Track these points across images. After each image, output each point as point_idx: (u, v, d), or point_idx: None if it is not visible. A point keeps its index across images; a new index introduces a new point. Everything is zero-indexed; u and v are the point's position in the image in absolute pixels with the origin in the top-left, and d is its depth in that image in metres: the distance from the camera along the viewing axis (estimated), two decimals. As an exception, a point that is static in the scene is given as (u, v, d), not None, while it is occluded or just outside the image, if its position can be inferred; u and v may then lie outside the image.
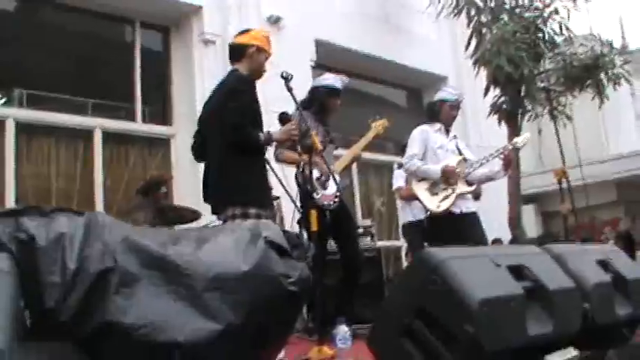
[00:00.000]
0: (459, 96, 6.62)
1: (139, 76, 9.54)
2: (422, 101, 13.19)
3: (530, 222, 15.71)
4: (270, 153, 5.41)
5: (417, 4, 11.87)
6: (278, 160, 5.88)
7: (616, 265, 3.96)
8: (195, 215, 6.66)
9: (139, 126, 9.42)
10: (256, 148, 4.82)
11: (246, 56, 5.00)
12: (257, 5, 10.07)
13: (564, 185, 8.97)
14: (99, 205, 8.63)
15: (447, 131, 6.56)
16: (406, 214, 8.26)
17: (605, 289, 3.70)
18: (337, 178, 5.85)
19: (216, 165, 4.87)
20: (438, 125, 6.51)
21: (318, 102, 6.12)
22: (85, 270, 2.29)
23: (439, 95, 6.66)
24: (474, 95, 11.91)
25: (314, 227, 5.02)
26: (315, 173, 5.69)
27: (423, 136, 6.43)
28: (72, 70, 9.22)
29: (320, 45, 10.81)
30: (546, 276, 3.21)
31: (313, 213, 5.08)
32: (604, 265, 3.89)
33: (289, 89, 5.24)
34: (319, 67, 10.81)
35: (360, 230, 7.55)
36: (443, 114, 6.52)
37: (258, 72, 5.09)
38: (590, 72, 10.67)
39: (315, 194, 5.62)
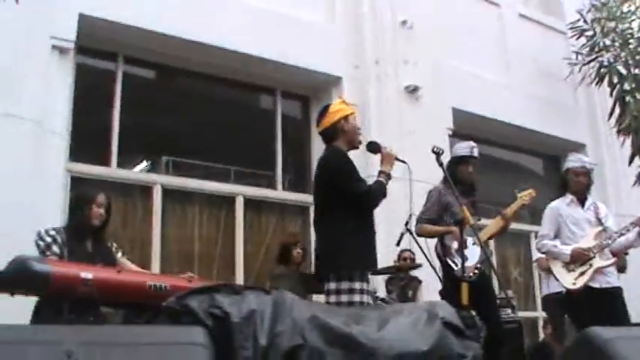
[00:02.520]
0: (585, 162, 6.48)
1: (280, 145, 9.84)
2: (560, 168, 12.96)
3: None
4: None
5: (557, 72, 11.73)
6: (419, 234, 5.95)
7: None
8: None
9: (279, 193, 9.66)
10: (385, 195, 5.04)
11: (340, 132, 5.14)
12: (395, 75, 10.23)
13: None
14: (239, 270, 8.88)
15: (583, 201, 6.40)
16: (545, 285, 8.13)
17: None
18: (478, 250, 5.83)
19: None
20: (570, 197, 6.40)
21: (450, 173, 6.10)
22: (275, 346, 2.38)
23: (566, 164, 6.57)
24: (614, 163, 11.65)
25: (464, 301, 5.01)
26: (454, 245, 5.69)
27: (553, 213, 6.36)
28: (215, 139, 9.52)
29: (456, 113, 10.85)
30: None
31: (464, 286, 5.08)
32: None
33: (440, 164, 5.32)
34: (456, 135, 10.86)
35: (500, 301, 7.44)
36: (571, 183, 6.41)
37: (355, 137, 5.20)
38: None
39: (454, 265, 5.62)
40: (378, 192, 5.02)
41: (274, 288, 7.00)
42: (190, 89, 9.54)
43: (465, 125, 10.99)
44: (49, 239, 4.70)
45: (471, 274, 5.76)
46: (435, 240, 6.05)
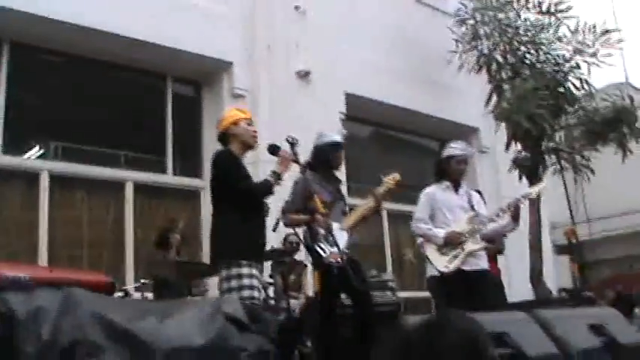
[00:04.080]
0: (467, 150, 6.68)
1: (171, 130, 9.83)
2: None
3: (566, 273, 15.56)
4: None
5: (444, 58, 11.96)
6: (286, 224, 6.10)
7: (611, 329, 3.99)
8: (212, 270, 6.79)
9: (169, 178, 9.66)
10: (270, 193, 5.41)
11: (232, 136, 5.51)
12: (286, 60, 10.31)
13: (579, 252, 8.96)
14: (129, 256, 8.89)
15: (457, 187, 6.58)
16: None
17: (595, 354, 3.73)
18: (345, 235, 5.98)
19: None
20: (446, 183, 6.56)
21: (323, 160, 6.23)
22: (56, 342, 2.47)
23: (445, 152, 6.66)
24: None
25: (317, 287, 5.19)
26: (321, 232, 5.82)
27: (429, 198, 6.53)
28: (106, 124, 9.44)
29: (350, 98, 10.99)
30: (528, 342, 3.28)
31: (316, 275, 5.25)
32: (597, 329, 3.92)
33: (295, 154, 5.47)
34: (349, 119, 11.02)
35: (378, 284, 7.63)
36: (452, 170, 6.55)
37: (249, 139, 5.53)
38: (611, 126, 10.67)
39: (322, 252, 5.75)
40: (260, 190, 5.38)
41: (152, 275, 7.13)
42: (81, 75, 9.37)
43: (359, 109, 11.16)
44: None
45: (339, 259, 5.88)
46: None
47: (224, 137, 5.55)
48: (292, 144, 5.56)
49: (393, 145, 12.89)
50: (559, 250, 15.52)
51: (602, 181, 14.33)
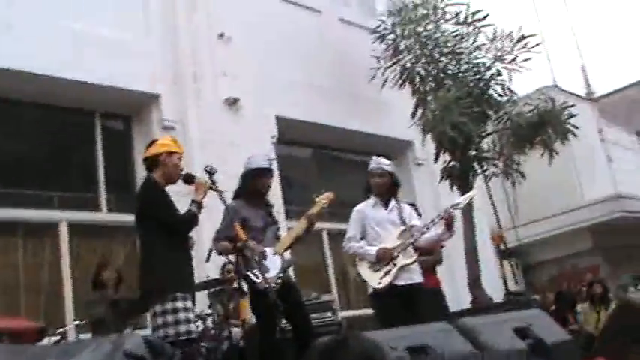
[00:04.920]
0: (380, 164, 6.65)
1: (102, 166, 9.69)
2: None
3: (511, 277, 15.79)
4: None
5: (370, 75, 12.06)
6: (219, 252, 6.14)
7: (536, 330, 4.06)
8: (146, 305, 6.73)
9: (104, 216, 9.53)
10: (195, 223, 5.48)
11: (160, 164, 5.52)
12: (214, 89, 10.29)
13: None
14: (67, 297, 8.70)
15: (387, 202, 6.60)
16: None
17: (520, 357, 3.79)
18: (278, 259, 6.00)
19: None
20: (374, 199, 6.59)
21: (251, 186, 6.28)
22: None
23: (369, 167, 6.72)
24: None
25: (242, 315, 5.24)
26: (254, 258, 5.83)
27: (359, 215, 6.57)
28: (36, 166, 9.30)
29: (281, 121, 11.00)
30: (449, 352, 3.31)
31: (243, 304, 5.28)
32: (522, 332, 3.99)
33: (213, 183, 5.52)
34: (282, 143, 11.04)
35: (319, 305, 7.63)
36: (371, 185, 6.61)
37: (175, 173, 5.58)
38: (537, 129, 10.86)
39: (255, 278, 5.76)
40: (185, 222, 5.43)
41: (88, 315, 7.04)
42: (8, 117, 9.22)
43: (291, 132, 11.19)
44: None
45: (273, 284, 5.90)
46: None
47: (152, 162, 5.56)
48: (210, 173, 5.65)
49: (330, 164, 12.91)
50: (502, 255, 15.71)
51: (539, 184, 14.69)
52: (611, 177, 19.00)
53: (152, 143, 5.76)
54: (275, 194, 9.36)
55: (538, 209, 17.38)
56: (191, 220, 5.42)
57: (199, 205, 5.47)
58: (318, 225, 10.76)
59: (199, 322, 6.96)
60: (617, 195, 17.52)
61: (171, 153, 5.56)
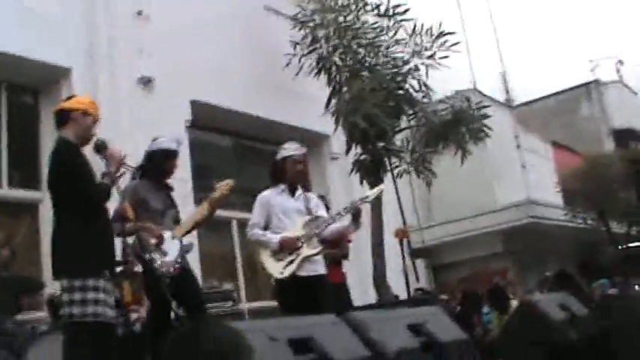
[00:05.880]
0: (300, 150, 6.52)
1: (6, 140, 9.31)
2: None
3: (421, 276, 15.84)
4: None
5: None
6: (115, 234, 5.82)
7: (431, 328, 3.98)
8: (39, 284, 6.51)
9: (4, 191, 9.16)
10: (109, 195, 5.05)
11: (71, 120, 5.04)
12: (128, 66, 10.01)
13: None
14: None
15: (294, 191, 6.45)
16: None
17: (412, 354, 3.70)
18: (177, 243, 5.81)
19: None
20: (282, 187, 6.41)
21: (155, 167, 6.05)
22: None
23: (280, 154, 6.52)
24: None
25: (127, 298, 5.01)
26: (152, 241, 5.63)
27: (264, 202, 6.39)
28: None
29: (196, 105, 10.78)
30: (335, 347, 3.19)
31: (125, 286, 5.05)
32: (416, 329, 3.90)
33: (103, 157, 5.18)
34: (195, 127, 10.81)
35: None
36: (288, 173, 6.41)
37: (85, 136, 5.11)
38: (451, 128, 10.88)
39: (152, 262, 5.54)
40: (98, 196, 5.00)
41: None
42: None
43: (205, 117, 10.99)
44: None
45: (172, 269, 5.71)
46: None
47: (64, 117, 5.10)
48: (100, 147, 5.22)
49: (245, 153, 12.75)
50: (414, 252, 15.76)
51: (454, 185, 14.81)
52: (525, 183, 19.30)
53: (69, 98, 5.35)
54: (185, 179, 9.17)
55: (452, 210, 17.54)
56: (102, 195, 5.00)
57: (113, 179, 5.05)
58: (228, 214, 10.85)
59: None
60: (529, 200, 17.80)
61: (86, 113, 5.08)
